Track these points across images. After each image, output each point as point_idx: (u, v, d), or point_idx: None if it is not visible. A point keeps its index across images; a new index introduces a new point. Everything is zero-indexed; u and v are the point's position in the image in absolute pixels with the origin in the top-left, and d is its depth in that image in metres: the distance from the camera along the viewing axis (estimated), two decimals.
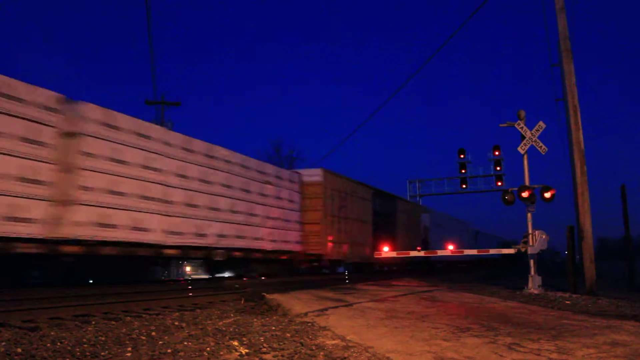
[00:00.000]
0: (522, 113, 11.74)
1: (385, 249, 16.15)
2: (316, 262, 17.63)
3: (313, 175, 17.54)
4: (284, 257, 15.71)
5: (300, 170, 17.71)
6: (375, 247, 19.89)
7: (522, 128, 11.56)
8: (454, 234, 32.31)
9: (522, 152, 11.58)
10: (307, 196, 17.10)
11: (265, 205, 14.91)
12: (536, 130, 11.44)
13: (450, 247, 21.18)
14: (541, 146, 11.33)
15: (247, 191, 14.22)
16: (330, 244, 17.50)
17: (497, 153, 31.21)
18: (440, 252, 18.01)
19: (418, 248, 21.15)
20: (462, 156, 32.83)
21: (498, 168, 31.80)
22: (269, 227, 14.99)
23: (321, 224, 17.10)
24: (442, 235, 29.53)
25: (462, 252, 20.92)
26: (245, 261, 14.51)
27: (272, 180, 15.35)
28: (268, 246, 14.80)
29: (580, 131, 10.96)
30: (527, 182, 11.47)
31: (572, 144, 11.10)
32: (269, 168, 15.68)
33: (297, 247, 16.21)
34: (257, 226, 14.47)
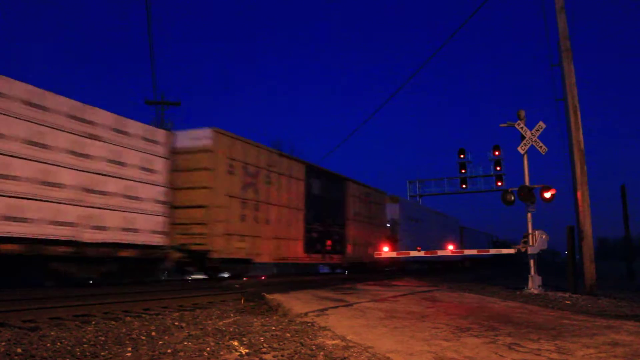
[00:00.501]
0: (522, 113, 11.76)
1: (373, 246, 16.08)
2: (200, 261, 12.30)
3: (197, 138, 12.10)
4: (127, 254, 10.52)
5: (177, 132, 12.41)
6: (312, 243, 16.09)
7: (522, 128, 11.57)
8: (435, 230, 28.54)
9: (522, 152, 11.60)
10: (186, 168, 11.92)
11: (86, 171, 9.62)
12: (536, 130, 11.45)
13: (449, 246, 20.85)
14: (541, 146, 11.34)
15: (41, 145, 8.91)
16: (223, 237, 11.99)
17: (497, 153, 31.42)
18: (440, 252, 18.01)
19: (418, 248, 20.82)
20: (462, 156, 33.00)
21: (498, 168, 31.91)
22: (90, 206, 9.63)
23: (209, 208, 11.71)
24: (418, 231, 25.76)
25: (462, 252, 20.90)
26: (32, 259, 9.09)
27: (104, 135, 10.04)
28: (88, 236, 9.52)
29: (580, 131, 10.98)
30: (527, 182, 11.48)
31: (572, 144, 11.12)
32: (100, 115, 10.03)
33: (157, 239, 11.03)
34: (61, 203, 9.18)
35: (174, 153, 11.65)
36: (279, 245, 14.28)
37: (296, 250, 15.23)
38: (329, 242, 17.15)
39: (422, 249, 17.45)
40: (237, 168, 12.69)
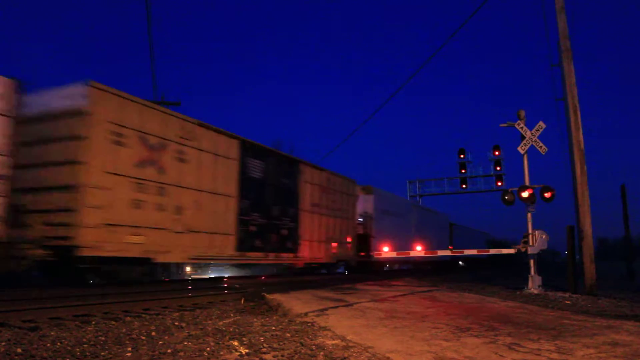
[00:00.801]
0: (522, 113, 11.77)
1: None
2: (67, 260, 8.83)
3: (68, 96, 9.05)
4: None
5: (41, 90, 9.35)
6: (249, 239, 12.88)
7: (522, 128, 11.58)
8: (418, 226, 25.68)
9: (522, 152, 11.61)
10: (51, 137, 9.10)
11: None
12: (536, 130, 11.46)
13: (419, 246, 20.40)
14: (541, 146, 11.35)
15: None
16: (100, 228, 8.91)
17: (497, 153, 31.47)
18: (440, 252, 18.03)
19: (419, 248, 20.66)
20: (462, 156, 33.02)
21: (498, 168, 31.95)
22: None
23: (78, 189, 8.65)
24: (398, 227, 22.71)
25: (462, 252, 20.88)
26: None
27: None
28: None
29: (580, 131, 10.99)
30: (527, 182, 11.48)
31: (572, 144, 11.12)
32: None
33: None
34: None
35: (34, 118, 8.94)
36: (197, 240, 11.23)
37: (224, 247, 12.08)
38: (274, 238, 13.91)
39: (403, 249, 17.12)
40: (129, 138, 9.66)
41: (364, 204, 20.17)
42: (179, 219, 10.66)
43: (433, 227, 28.58)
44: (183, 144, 10.89)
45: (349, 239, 17.98)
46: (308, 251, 15.41)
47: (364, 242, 19.30)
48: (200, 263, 13.10)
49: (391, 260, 22.76)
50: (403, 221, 23.78)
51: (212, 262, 12.41)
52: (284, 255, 14.41)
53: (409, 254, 17.33)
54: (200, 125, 11.53)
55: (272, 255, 13.86)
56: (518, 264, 44.70)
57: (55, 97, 9.24)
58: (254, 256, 13.22)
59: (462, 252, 20.59)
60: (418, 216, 26.55)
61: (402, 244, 21.15)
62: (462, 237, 34.55)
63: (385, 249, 18.68)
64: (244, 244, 12.64)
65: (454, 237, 32.72)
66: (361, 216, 19.83)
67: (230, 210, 12.32)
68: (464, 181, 34.37)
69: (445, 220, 32.31)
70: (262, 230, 13.38)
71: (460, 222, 37.94)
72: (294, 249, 14.82)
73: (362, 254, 18.69)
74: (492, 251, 16.68)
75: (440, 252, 18.52)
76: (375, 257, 16.60)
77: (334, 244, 16.90)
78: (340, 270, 19.55)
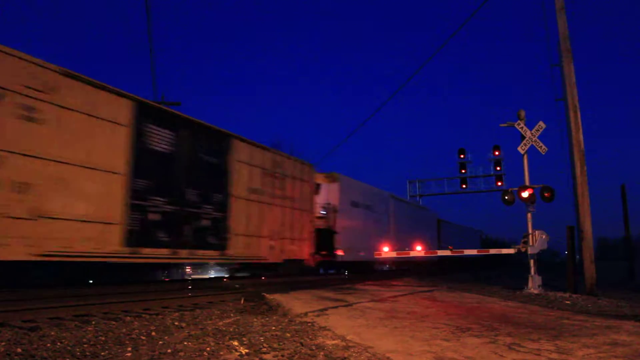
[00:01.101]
0: (522, 113, 11.78)
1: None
2: None
3: None
4: None
5: None
6: (148, 230, 9.76)
7: (522, 128, 11.59)
8: (397, 222, 22.68)
9: (522, 152, 11.61)
10: None
11: None
12: (536, 130, 11.47)
13: (419, 247, 19.84)
14: (541, 146, 11.35)
15: None
16: None
17: (497, 153, 31.56)
18: (440, 252, 18.02)
19: (419, 248, 20.49)
20: (462, 156, 33.09)
21: (498, 168, 32.02)
22: None
23: None
24: (370, 223, 19.81)
25: (463, 252, 20.75)
26: None
27: None
28: None
29: (580, 131, 11.00)
30: (527, 182, 11.49)
31: (572, 144, 11.14)
32: None
33: None
34: None
35: None
36: (54, 229, 7.94)
37: (104, 241, 8.84)
38: (189, 231, 10.80)
39: (376, 248, 16.43)
40: None
41: (328, 194, 17.05)
42: (21, 200, 7.58)
43: (418, 223, 25.85)
44: (34, 97, 7.84)
45: (305, 235, 14.97)
46: (243, 248, 12.39)
47: (326, 238, 16.39)
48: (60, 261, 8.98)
49: (382, 261, 21.43)
50: (378, 215, 20.71)
51: (83, 260, 8.74)
52: (204, 252, 11.24)
53: (408, 254, 17.16)
54: (66, 74, 8.31)
55: (184, 252, 10.68)
56: (516, 264, 44.59)
57: None
58: (155, 253, 9.96)
59: (462, 251, 20.35)
60: (398, 210, 23.32)
61: (376, 242, 18.89)
62: (452, 236, 31.45)
63: (385, 248, 18.56)
64: (138, 237, 9.53)
65: (443, 235, 29.62)
66: (323, 208, 16.89)
67: (116, 191, 9.19)
68: (464, 181, 34.42)
69: (432, 216, 29.30)
70: (169, 220, 10.29)
71: (461, 223, 37.48)
72: (220, 245, 11.66)
73: (324, 252, 16.36)
74: (492, 251, 16.55)
75: (440, 252, 18.45)
76: (376, 256, 16.37)
77: (284, 241, 14.00)
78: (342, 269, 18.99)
